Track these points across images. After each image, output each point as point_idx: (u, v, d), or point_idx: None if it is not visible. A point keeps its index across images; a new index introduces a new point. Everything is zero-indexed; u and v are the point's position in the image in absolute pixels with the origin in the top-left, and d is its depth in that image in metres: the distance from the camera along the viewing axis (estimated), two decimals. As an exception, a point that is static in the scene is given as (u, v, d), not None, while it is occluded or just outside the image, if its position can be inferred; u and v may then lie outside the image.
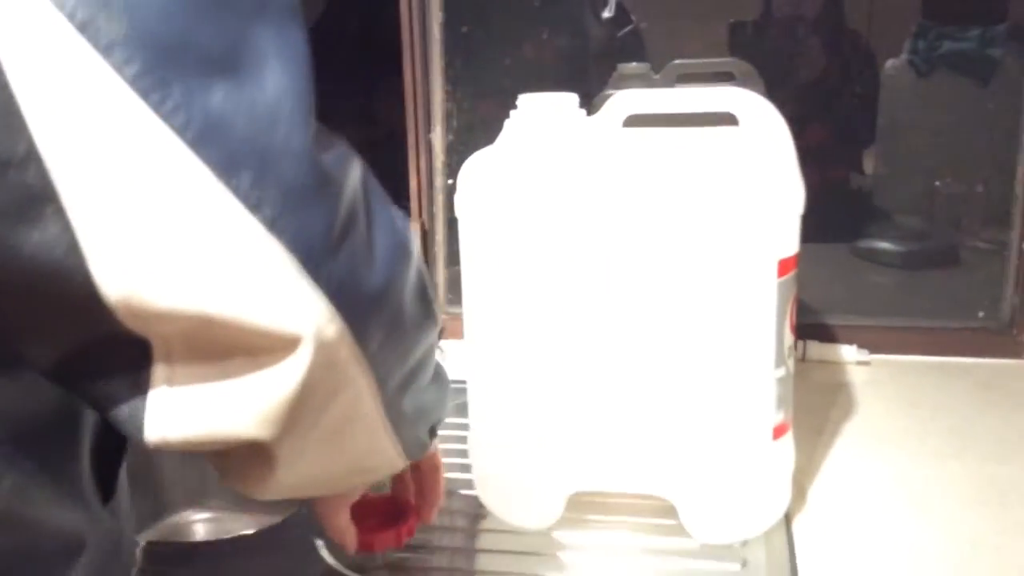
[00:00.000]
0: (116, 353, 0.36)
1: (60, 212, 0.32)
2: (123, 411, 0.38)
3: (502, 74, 1.21)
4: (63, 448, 0.42)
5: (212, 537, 0.99)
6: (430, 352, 0.49)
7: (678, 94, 0.74)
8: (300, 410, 0.39)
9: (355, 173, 0.40)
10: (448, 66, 1.18)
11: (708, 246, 0.65)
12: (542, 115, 0.71)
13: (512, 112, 0.73)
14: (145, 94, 0.32)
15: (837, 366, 1.09)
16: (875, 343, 1.11)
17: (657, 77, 1.15)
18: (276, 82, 0.35)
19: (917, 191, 1.23)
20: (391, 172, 1.17)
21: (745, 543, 0.71)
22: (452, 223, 1.03)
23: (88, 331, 0.35)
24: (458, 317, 0.75)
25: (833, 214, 1.24)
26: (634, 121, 0.72)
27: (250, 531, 0.93)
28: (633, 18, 1.24)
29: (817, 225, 1.24)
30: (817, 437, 0.89)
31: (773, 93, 1.05)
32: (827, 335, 1.12)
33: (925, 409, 0.96)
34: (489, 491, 0.77)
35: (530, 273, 0.69)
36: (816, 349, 1.10)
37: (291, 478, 0.43)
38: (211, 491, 1.01)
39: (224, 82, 0.33)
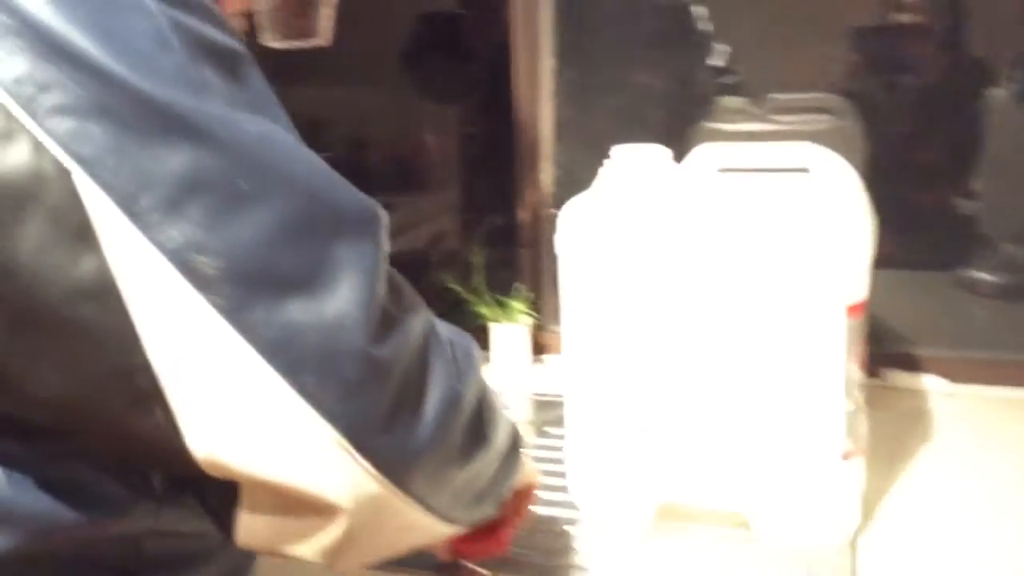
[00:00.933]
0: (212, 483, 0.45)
1: (165, 405, 0.41)
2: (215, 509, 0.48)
3: (608, 114, 1.31)
4: None
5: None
6: (487, 462, 0.54)
7: (754, 152, 0.82)
8: (350, 543, 0.46)
9: (416, 338, 0.47)
10: (557, 108, 1.28)
11: (782, 289, 0.73)
12: (633, 165, 0.81)
13: (606, 161, 0.83)
14: (231, 317, 0.40)
15: (920, 395, 1.13)
16: (962, 374, 1.13)
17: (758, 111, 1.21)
18: (346, 293, 0.43)
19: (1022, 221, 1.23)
20: (503, 202, 1.29)
21: (812, 558, 0.78)
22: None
23: (188, 472, 0.44)
24: (558, 334, 0.85)
25: (935, 240, 1.26)
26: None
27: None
28: (730, 57, 1.31)
29: (918, 250, 1.27)
30: (892, 463, 0.94)
31: (879, 115, 1.09)
32: (913, 364, 1.16)
33: (1005, 442, 0.98)
34: (584, 497, 0.86)
35: (623, 305, 0.79)
36: (900, 378, 1.14)
37: (354, 569, 0.51)
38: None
39: (300, 298, 0.42)
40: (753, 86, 1.28)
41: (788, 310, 0.74)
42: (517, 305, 1.23)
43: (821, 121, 1.24)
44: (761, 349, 0.75)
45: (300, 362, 0.42)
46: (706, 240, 0.75)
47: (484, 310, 1.24)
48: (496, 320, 1.23)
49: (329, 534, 0.45)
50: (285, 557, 0.48)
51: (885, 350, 1.19)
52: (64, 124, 0.38)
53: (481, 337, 1.32)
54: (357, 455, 0.43)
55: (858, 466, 0.79)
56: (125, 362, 0.41)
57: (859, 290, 0.75)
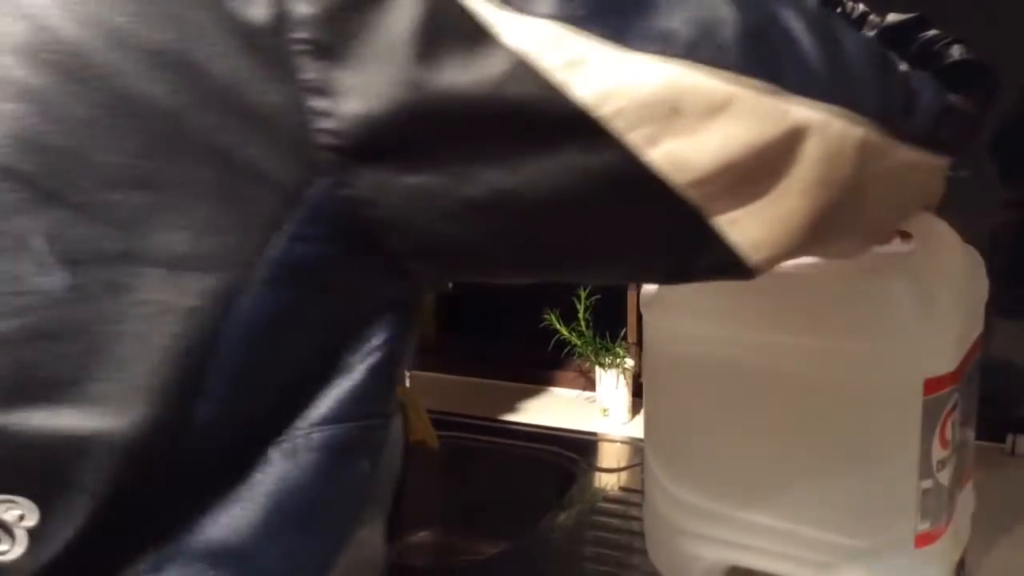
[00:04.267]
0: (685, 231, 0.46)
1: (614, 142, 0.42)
2: (714, 260, 0.47)
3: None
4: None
5: (440, 560, 1.16)
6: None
7: None
8: (832, 186, 0.47)
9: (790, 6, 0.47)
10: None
11: (858, 359, 0.71)
12: None
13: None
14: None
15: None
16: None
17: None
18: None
19: None
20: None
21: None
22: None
23: (669, 219, 0.45)
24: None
25: None
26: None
27: (474, 557, 1.09)
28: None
29: None
30: (1012, 537, 0.90)
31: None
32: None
33: None
34: (661, 556, 0.87)
35: (701, 376, 0.79)
36: (1026, 444, 1.09)
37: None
38: (440, 519, 1.18)
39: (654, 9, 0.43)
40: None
41: (862, 382, 0.72)
42: (619, 350, 1.24)
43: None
44: (835, 419, 0.73)
45: (695, 44, 0.43)
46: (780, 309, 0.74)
47: (588, 352, 1.25)
48: (600, 364, 1.24)
49: (805, 177, 0.46)
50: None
51: (1017, 414, 1.13)
52: None
53: (585, 380, 1.35)
54: (787, 91, 0.44)
55: (937, 549, 0.76)
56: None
57: (942, 363, 0.72)
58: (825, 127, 0.46)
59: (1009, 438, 1.09)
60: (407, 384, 1.18)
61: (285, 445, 0.46)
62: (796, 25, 0.46)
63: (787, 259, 0.49)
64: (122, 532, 0.44)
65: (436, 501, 1.20)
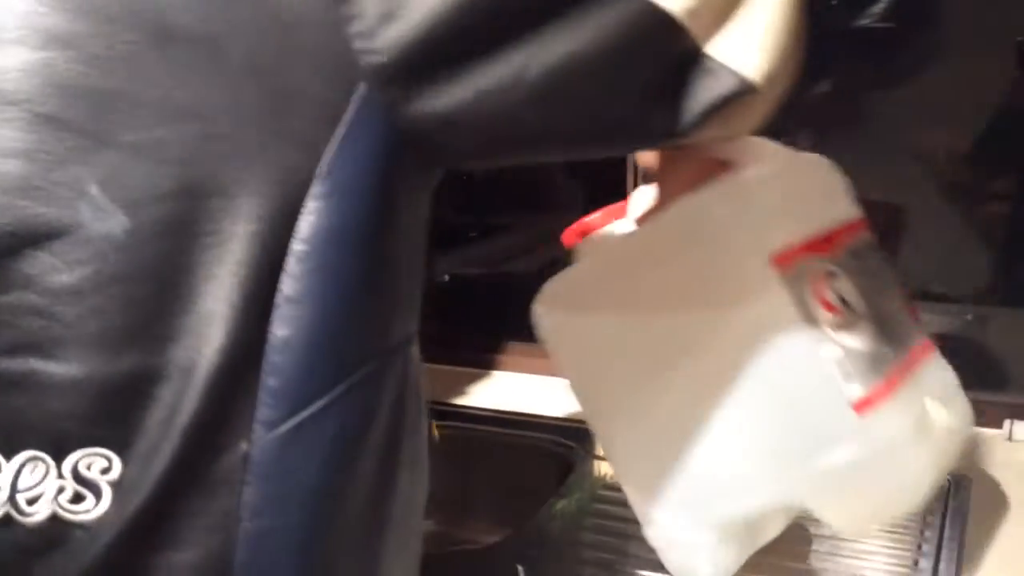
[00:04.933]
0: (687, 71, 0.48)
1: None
2: (718, 88, 0.48)
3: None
4: None
5: (439, 549, 1.16)
6: None
7: None
8: None
9: None
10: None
11: (715, 284, 0.70)
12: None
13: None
14: None
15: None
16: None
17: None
18: None
19: None
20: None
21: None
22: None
23: (676, 60, 0.47)
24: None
25: None
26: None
27: (473, 546, 1.09)
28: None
29: None
30: (1012, 521, 0.90)
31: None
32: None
33: None
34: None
35: (613, 363, 0.76)
36: (1025, 430, 1.09)
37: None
38: (438, 509, 1.18)
39: None
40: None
41: (731, 305, 0.69)
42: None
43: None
44: (730, 351, 0.70)
45: None
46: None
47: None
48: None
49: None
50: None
51: (1014, 399, 1.13)
52: None
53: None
54: None
55: (900, 408, 0.69)
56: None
57: (780, 237, 0.66)
58: None
59: (1007, 424, 1.09)
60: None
61: (364, 370, 0.47)
62: None
63: (777, 75, 0.50)
64: (203, 470, 0.44)
65: (435, 491, 1.20)
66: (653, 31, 0.46)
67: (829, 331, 0.68)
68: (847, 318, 0.69)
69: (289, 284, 0.44)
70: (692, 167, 0.64)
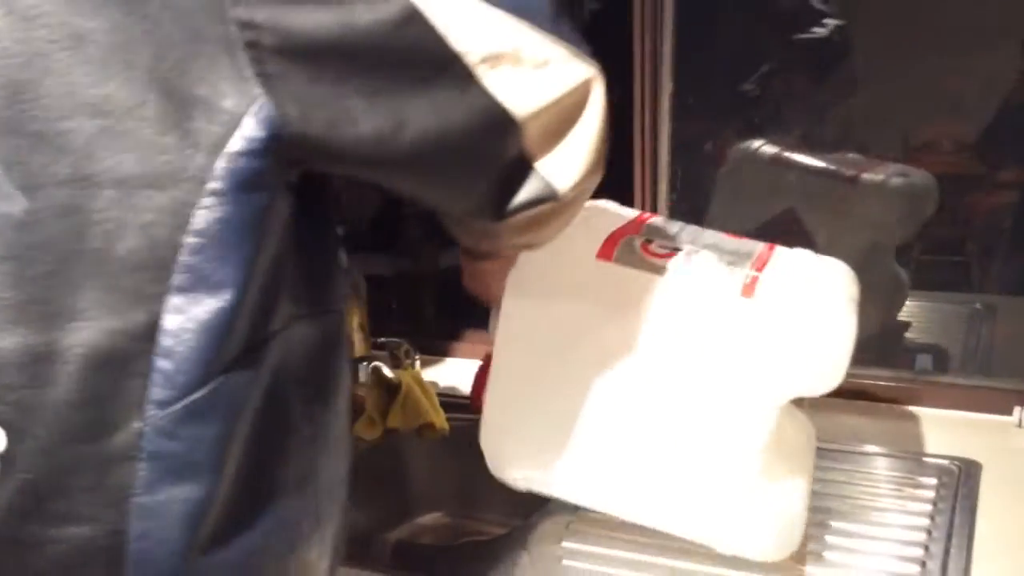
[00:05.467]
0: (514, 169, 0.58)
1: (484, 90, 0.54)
2: (533, 191, 0.59)
3: (724, 140, 1.30)
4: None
5: (449, 541, 1.17)
6: None
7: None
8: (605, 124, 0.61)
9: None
10: (675, 132, 1.29)
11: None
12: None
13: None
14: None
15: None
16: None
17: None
18: None
19: None
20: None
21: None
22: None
23: (509, 156, 0.57)
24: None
25: None
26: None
27: (482, 537, 1.10)
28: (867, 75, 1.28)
29: None
30: (1019, 509, 0.91)
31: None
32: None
33: None
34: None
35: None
36: (1036, 416, 1.09)
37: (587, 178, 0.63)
38: (450, 500, 1.19)
39: None
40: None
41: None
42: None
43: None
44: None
45: (532, 12, 0.56)
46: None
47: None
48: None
49: (596, 114, 0.60)
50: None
51: (1014, 388, 1.14)
52: None
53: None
54: (581, 54, 0.58)
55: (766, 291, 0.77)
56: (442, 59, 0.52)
57: (593, 247, 0.82)
58: (598, 81, 0.59)
59: (1017, 411, 1.09)
60: (417, 368, 1.19)
61: (253, 351, 0.51)
62: (565, 10, 0.59)
63: (581, 193, 0.63)
64: (95, 447, 0.47)
65: (446, 483, 1.21)
66: (496, 126, 0.55)
67: (678, 267, 0.80)
68: (685, 254, 0.81)
69: (181, 274, 0.47)
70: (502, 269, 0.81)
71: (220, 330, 0.49)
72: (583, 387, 0.81)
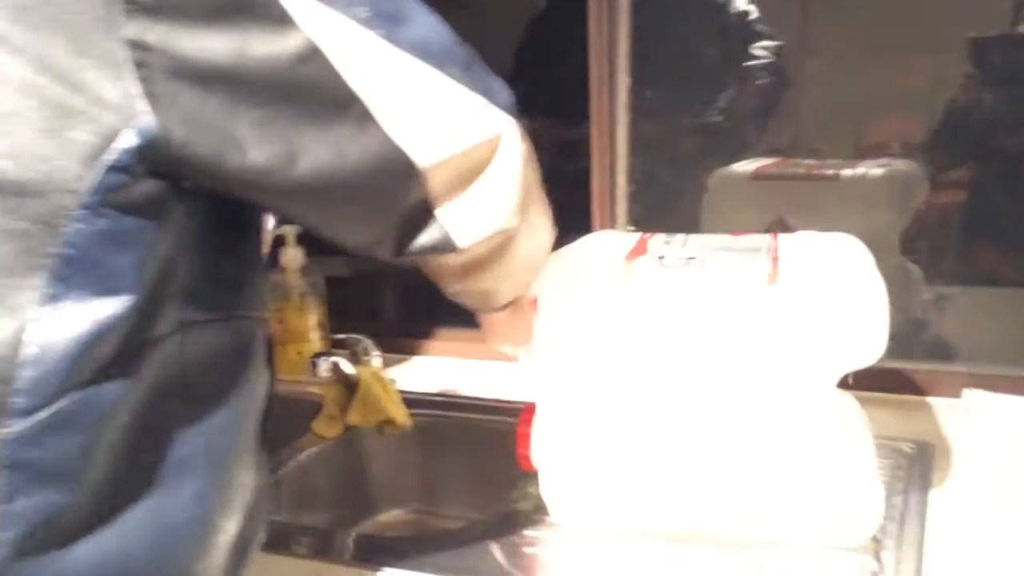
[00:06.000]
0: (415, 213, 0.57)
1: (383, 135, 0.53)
2: (431, 239, 0.59)
3: (682, 132, 1.32)
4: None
5: (411, 533, 1.16)
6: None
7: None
8: (525, 188, 0.61)
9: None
10: (633, 124, 1.30)
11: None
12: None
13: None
14: (392, 40, 0.53)
15: (1003, 417, 1.09)
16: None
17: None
18: (425, 16, 0.56)
19: None
20: (580, 213, 1.31)
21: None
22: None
23: (408, 201, 0.56)
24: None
25: None
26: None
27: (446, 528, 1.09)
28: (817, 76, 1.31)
29: (1022, 265, 1.25)
30: (970, 487, 0.93)
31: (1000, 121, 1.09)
32: (998, 385, 1.12)
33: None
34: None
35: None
36: (983, 398, 1.11)
37: (522, 258, 0.65)
38: (412, 496, 1.19)
39: (407, 24, 0.54)
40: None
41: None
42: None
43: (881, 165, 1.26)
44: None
45: (441, 58, 0.55)
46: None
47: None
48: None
49: (508, 170, 0.59)
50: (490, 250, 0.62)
51: (972, 370, 1.16)
52: None
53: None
54: (494, 106, 0.58)
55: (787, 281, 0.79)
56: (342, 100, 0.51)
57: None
58: (511, 135, 0.59)
59: (966, 393, 1.11)
60: (379, 366, 1.18)
61: (125, 358, 0.50)
62: (479, 59, 0.59)
63: (483, 245, 0.61)
64: None
65: (408, 479, 1.20)
66: (395, 171, 0.54)
67: (699, 272, 0.81)
68: (700, 260, 0.83)
69: (50, 284, 0.47)
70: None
71: (88, 340, 0.48)
72: (636, 413, 0.82)
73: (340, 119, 0.52)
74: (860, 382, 0.80)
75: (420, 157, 0.54)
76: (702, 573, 0.80)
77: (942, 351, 1.31)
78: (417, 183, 0.55)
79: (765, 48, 1.34)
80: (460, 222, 0.59)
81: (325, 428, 1.14)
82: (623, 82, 1.29)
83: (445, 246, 0.59)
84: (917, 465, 0.97)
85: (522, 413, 0.89)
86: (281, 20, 0.49)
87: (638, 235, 0.90)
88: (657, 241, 0.88)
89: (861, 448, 0.81)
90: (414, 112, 0.54)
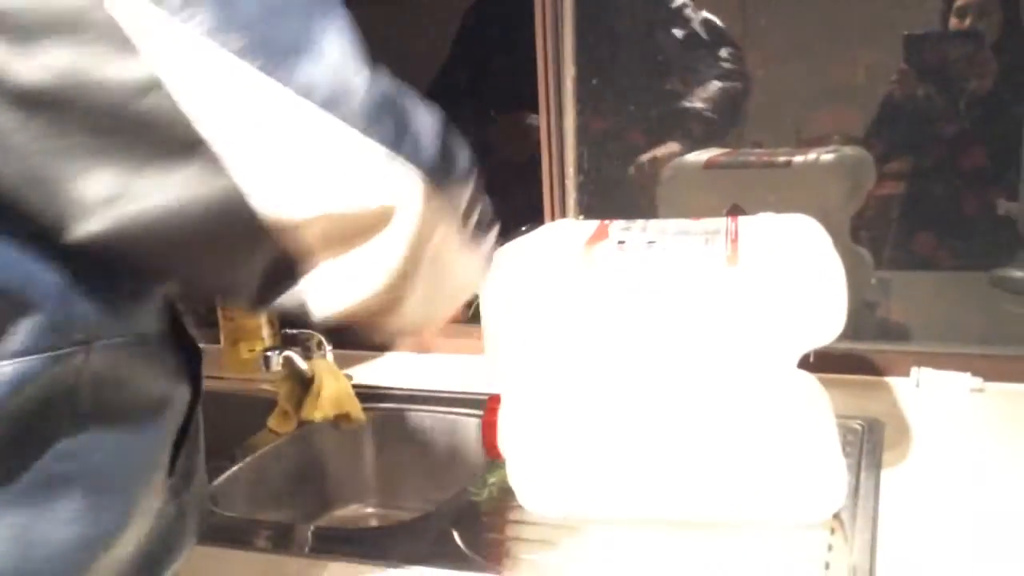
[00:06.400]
0: (278, 268, 0.50)
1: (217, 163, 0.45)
2: (289, 302, 0.51)
3: (629, 120, 1.33)
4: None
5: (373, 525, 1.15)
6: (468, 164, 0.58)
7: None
8: (413, 256, 0.52)
9: (391, 85, 0.51)
10: (580, 113, 1.30)
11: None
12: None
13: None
14: (270, 74, 0.45)
15: (951, 393, 1.12)
16: (993, 371, 1.13)
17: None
18: (337, 48, 0.48)
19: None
20: (528, 205, 1.31)
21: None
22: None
23: (263, 256, 0.49)
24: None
25: (976, 239, 1.28)
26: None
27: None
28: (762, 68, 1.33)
29: (960, 253, 1.28)
30: (921, 460, 0.95)
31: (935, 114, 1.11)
32: (944, 363, 1.16)
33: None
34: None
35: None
36: (930, 376, 1.14)
37: (414, 316, 0.56)
38: (369, 490, 1.18)
39: (305, 57, 0.46)
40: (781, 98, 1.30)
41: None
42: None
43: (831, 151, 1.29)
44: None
45: (337, 98, 0.47)
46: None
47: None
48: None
49: (397, 237, 0.50)
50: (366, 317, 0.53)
51: (919, 348, 1.19)
52: None
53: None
54: (400, 160, 0.49)
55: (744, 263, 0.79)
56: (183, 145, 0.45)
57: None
58: (410, 208, 0.50)
59: (914, 372, 1.14)
60: (330, 359, 1.17)
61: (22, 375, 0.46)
62: (408, 104, 0.51)
63: (348, 315, 0.53)
64: None
65: (366, 474, 1.19)
66: (247, 226, 0.47)
67: (659, 256, 0.82)
68: (660, 244, 0.83)
69: None
70: None
71: None
72: (601, 398, 0.82)
73: (183, 162, 0.45)
74: (815, 364, 0.81)
75: (279, 211, 0.47)
76: (665, 555, 0.80)
77: (894, 331, 1.34)
78: (273, 239, 0.48)
79: (712, 43, 1.35)
80: (324, 293, 0.51)
81: (279, 424, 1.13)
82: (569, 73, 1.29)
83: (301, 313, 0.52)
84: (868, 442, 0.98)
85: (488, 402, 0.89)
86: (124, 45, 0.43)
87: (597, 221, 0.90)
88: (617, 227, 0.88)
89: (824, 425, 0.83)
90: (280, 161, 0.46)
